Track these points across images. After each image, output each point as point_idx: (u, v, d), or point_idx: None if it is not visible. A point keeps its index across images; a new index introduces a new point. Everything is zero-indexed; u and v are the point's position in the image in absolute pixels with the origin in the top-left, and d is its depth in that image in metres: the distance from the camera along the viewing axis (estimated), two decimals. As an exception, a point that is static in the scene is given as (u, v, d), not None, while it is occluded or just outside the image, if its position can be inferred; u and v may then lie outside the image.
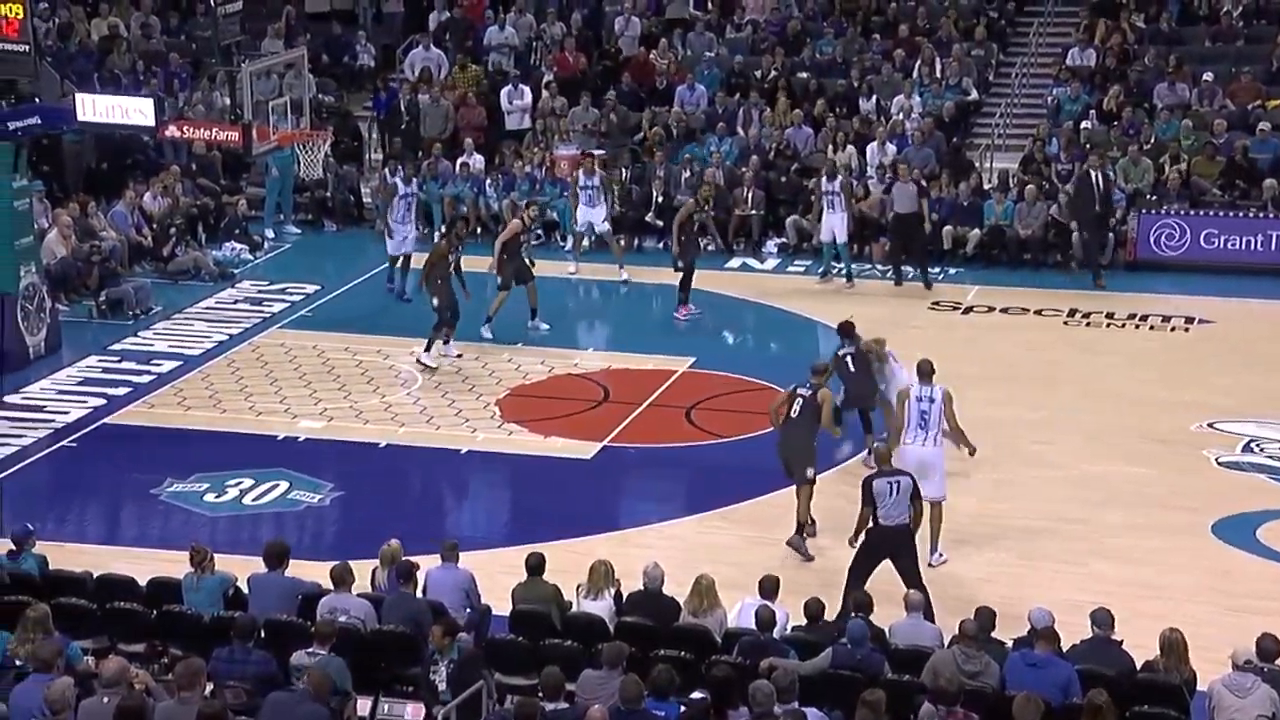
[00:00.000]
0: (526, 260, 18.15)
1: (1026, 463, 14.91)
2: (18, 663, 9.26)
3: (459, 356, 17.25)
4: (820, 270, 20.33)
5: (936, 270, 20.63)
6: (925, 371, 12.99)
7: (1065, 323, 18.94)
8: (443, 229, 18.53)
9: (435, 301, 17.05)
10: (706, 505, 14.03)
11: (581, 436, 15.47)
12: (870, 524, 11.66)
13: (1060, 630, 9.91)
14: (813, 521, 13.12)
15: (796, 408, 13.13)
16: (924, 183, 20.64)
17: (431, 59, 24.74)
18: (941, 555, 12.81)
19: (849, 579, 11.58)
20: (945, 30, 24.55)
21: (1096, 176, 20.18)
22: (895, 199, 20.29)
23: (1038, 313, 19.32)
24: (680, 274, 18.65)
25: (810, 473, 13.01)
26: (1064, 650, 9.79)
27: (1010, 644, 9.96)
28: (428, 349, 17.09)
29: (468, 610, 10.63)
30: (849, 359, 14.42)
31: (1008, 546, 13.27)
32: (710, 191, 19.76)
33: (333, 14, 26.46)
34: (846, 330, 14.54)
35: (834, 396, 13.59)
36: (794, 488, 13.11)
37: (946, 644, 9.96)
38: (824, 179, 20.10)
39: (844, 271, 20.26)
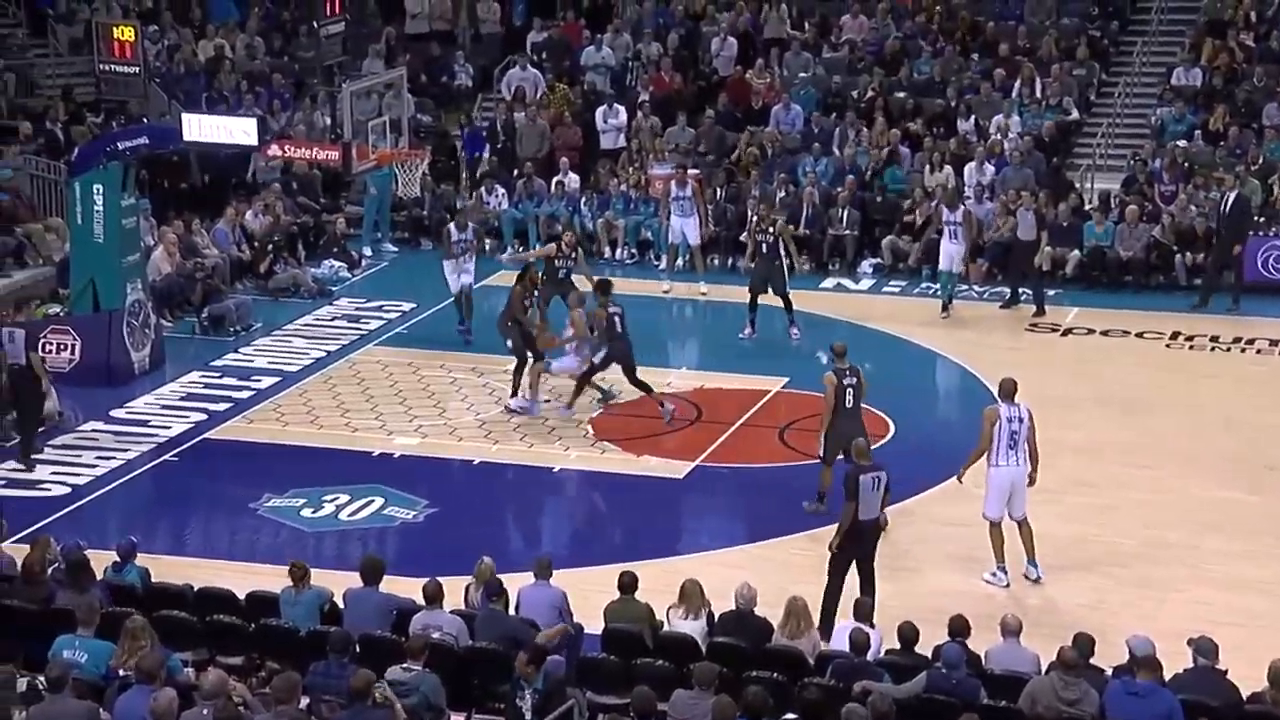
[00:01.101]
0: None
1: (1126, 487, 14.68)
2: (122, 673, 9.43)
3: (547, 402, 16.58)
4: (944, 300, 19.61)
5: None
6: (1010, 391, 12.87)
7: (1167, 346, 18.64)
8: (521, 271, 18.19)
9: (510, 344, 16.56)
10: (798, 527, 13.95)
11: (674, 456, 15.47)
12: (852, 520, 11.72)
13: (1161, 659, 9.73)
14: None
15: (850, 397, 13.59)
16: (1044, 212, 20.30)
17: (528, 79, 24.94)
18: (1040, 572, 12.73)
19: (830, 578, 11.70)
20: (1046, 49, 24.31)
21: (1229, 197, 19.88)
22: (1019, 224, 19.96)
23: (1139, 335, 19.03)
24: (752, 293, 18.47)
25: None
26: (1166, 679, 9.61)
27: (1110, 672, 9.80)
28: (514, 393, 16.59)
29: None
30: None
31: (1107, 572, 13.07)
32: (769, 211, 19.04)
33: (432, 35, 26.77)
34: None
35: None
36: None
37: (1044, 670, 9.82)
38: (944, 209, 19.59)
39: (947, 298, 19.76)
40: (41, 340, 17.17)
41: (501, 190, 22.70)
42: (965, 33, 25.25)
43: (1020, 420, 12.69)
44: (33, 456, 15.15)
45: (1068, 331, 19.32)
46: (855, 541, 11.84)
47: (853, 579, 11.89)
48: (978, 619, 10.59)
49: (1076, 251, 20.97)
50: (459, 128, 24.49)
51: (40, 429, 15.75)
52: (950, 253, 19.52)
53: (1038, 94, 23.52)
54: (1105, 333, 19.24)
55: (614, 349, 16.03)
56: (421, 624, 10.34)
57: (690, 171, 22.67)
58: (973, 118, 23.22)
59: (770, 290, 18.39)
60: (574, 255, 17.84)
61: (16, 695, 9.11)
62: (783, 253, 18.40)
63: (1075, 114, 23.54)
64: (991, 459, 12.71)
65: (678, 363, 18.34)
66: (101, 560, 11.51)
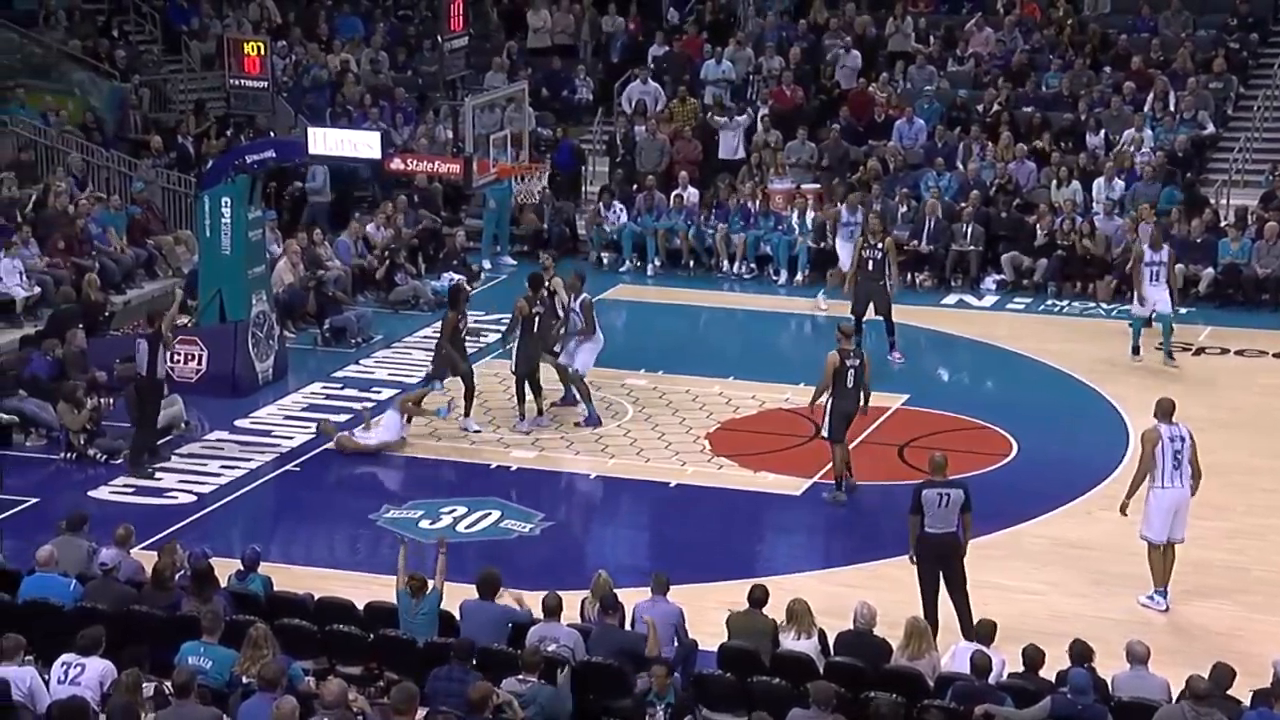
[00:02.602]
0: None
1: (1261, 512, 14.31)
2: (245, 680, 9.63)
3: (478, 432, 16.35)
4: (1166, 350, 18.47)
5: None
6: (1168, 410, 12.65)
7: (1304, 366, 18.18)
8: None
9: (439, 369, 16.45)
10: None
11: (791, 472, 15.41)
12: (919, 532, 11.82)
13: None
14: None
15: (850, 377, 14.29)
16: (1169, 228, 19.86)
17: (649, 93, 25.05)
18: (1163, 599, 12.52)
19: (923, 598, 11.76)
20: (1181, 62, 23.85)
21: None
22: (1143, 241, 19.50)
23: (1276, 355, 18.57)
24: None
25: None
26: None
27: (1248, 702, 9.56)
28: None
29: (675, 644, 10.68)
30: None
31: (1243, 599, 12.77)
32: (879, 225, 18.54)
33: (553, 49, 27.01)
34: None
35: None
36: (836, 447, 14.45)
37: (1175, 698, 9.61)
38: (1147, 248, 18.18)
39: (1166, 348, 18.33)
40: (170, 351, 17.61)
41: (619, 205, 22.82)
42: (1095, 46, 24.88)
43: (1183, 439, 12.49)
44: (157, 465, 15.47)
45: (1200, 350, 18.93)
46: (930, 556, 11.88)
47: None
48: (1103, 645, 10.40)
49: (1210, 269, 20.53)
50: (553, 150, 23.89)
51: (166, 438, 16.14)
52: (1154, 296, 18.18)
53: (1171, 108, 23.08)
54: (1240, 352, 18.82)
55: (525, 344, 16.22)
56: (539, 636, 10.42)
57: (808, 186, 22.69)
58: (1102, 132, 22.86)
59: (873, 309, 18.09)
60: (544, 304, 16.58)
61: (143, 698, 9.34)
62: (887, 271, 17.98)
63: (1211, 128, 23.07)
64: (1156, 481, 12.45)
65: (796, 378, 18.27)
66: (225, 568, 11.76)
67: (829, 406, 14.44)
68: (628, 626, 10.72)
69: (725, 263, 22.20)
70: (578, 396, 16.73)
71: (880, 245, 18.00)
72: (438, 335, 16.89)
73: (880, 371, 18.08)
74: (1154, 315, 18.48)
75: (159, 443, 15.78)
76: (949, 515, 11.81)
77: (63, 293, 18.45)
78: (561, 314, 16.66)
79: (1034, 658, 10.18)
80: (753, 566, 13.21)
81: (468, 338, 17.00)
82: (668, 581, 11.10)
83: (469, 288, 18.57)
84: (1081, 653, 10.00)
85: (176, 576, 11.35)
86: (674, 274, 22.35)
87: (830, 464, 14.90)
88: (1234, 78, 23.94)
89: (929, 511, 11.81)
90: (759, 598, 10.83)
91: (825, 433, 14.60)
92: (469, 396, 16.51)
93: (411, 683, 9.38)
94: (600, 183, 23.99)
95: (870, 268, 17.92)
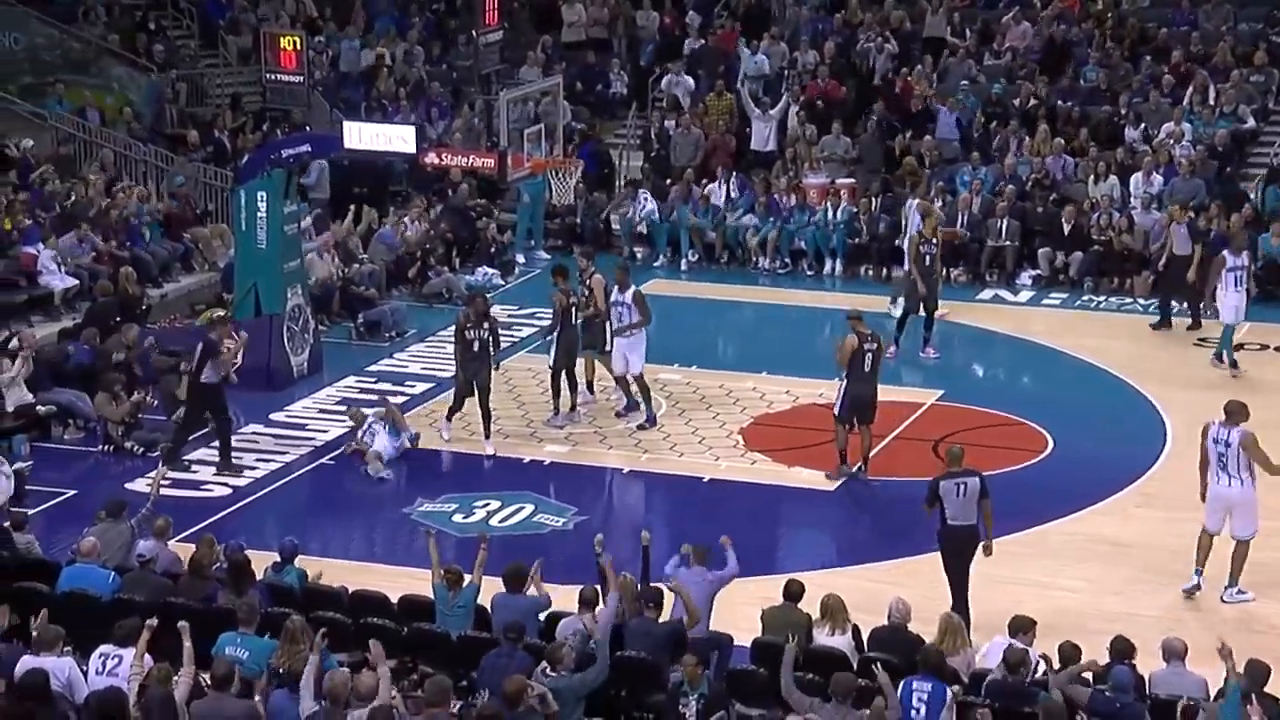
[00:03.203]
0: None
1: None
2: (280, 672, 9.70)
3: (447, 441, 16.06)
4: (1216, 353, 18.27)
5: (1203, 306, 19.93)
6: (1228, 410, 12.68)
7: (1345, 363, 18.05)
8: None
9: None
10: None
11: (826, 468, 15.40)
12: (940, 525, 12.03)
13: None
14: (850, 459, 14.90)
15: (868, 361, 14.71)
16: (1200, 225, 19.73)
17: (683, 87, 25.04)
18: (1242, 592, 12.57)
19: (953, 592, 11.93)
20: (1221, 56, 23.69)
21: None
22: (1174, 240, 19.43)
23: (1317, 352, 18.47)
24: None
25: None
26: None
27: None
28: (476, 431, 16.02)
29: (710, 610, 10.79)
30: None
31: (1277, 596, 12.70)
32: (937, 222, 18.64)
33: (588, 43, 27.03)
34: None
35: None
36: (860, 429, 14.87)
37: (1213, 696, 9.58)
38: (1227, 253, 17.97)
39: (1230, 355, 18.04)
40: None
41: (647, 196, 22.72)
42: (1134, 39, 24.74)
43: (1227, 444, 12.53)
44: (189, 459, 15.57)
45: (1239, 347, 18.80)
46: (951, 548, 12.08)
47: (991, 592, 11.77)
48: (1140, 643, 10.37)
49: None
50: (579, 148, 23.33)
51: (202, 430, 16.26)
52: (1232, 303, 17.95)
53: (1210, 101, 22.93)
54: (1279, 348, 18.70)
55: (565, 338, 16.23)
56: (572, 629, 10.46)
57: (843, 181, 22.63)
58: (1142, 126, 22.73)
59: (923, 306, 18.17)
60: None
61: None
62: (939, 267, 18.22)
63: (1252, 122, 22.91)
64: (1209, 475, 12.68)
65: (830, 374, 18.24)
66: (259, 561, 11.85)
67: (844, 389, 14.76)
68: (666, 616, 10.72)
69: (757, 258, 22.15)
70: (640, 401, 16.48)
71: (935, 241, 18.13)
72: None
73: (914, 366, 18.16)
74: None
75: (193, 435, 15.85)
76: (969, 506, 12.01)
77: (101, 286, 18.60)
78: (604, 310, 16.56)
79: (1070, 655, 10.14)
80: (785, 562, 13.25)
81: (500, 332, 16.81)
82: (707, 552, 11.20)
83: (487, 295, 18.31)
84: (1122, 650, 9.98)
85: (213, 568, 11.46)
86: (708, 269, 22.36)
87: (854, 451, 15.07)
88: (1275, 71, 23.75)
89: (949, 503, 12.01)
90: (795, 592, 10.87)
91: (835, 411, 14.91)
92: (458, 405, 15.97)
93: (445, 676, 9.44)
94: (634, 178, 23.98)
95: (928, 262, 18.06)
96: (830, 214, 22.02)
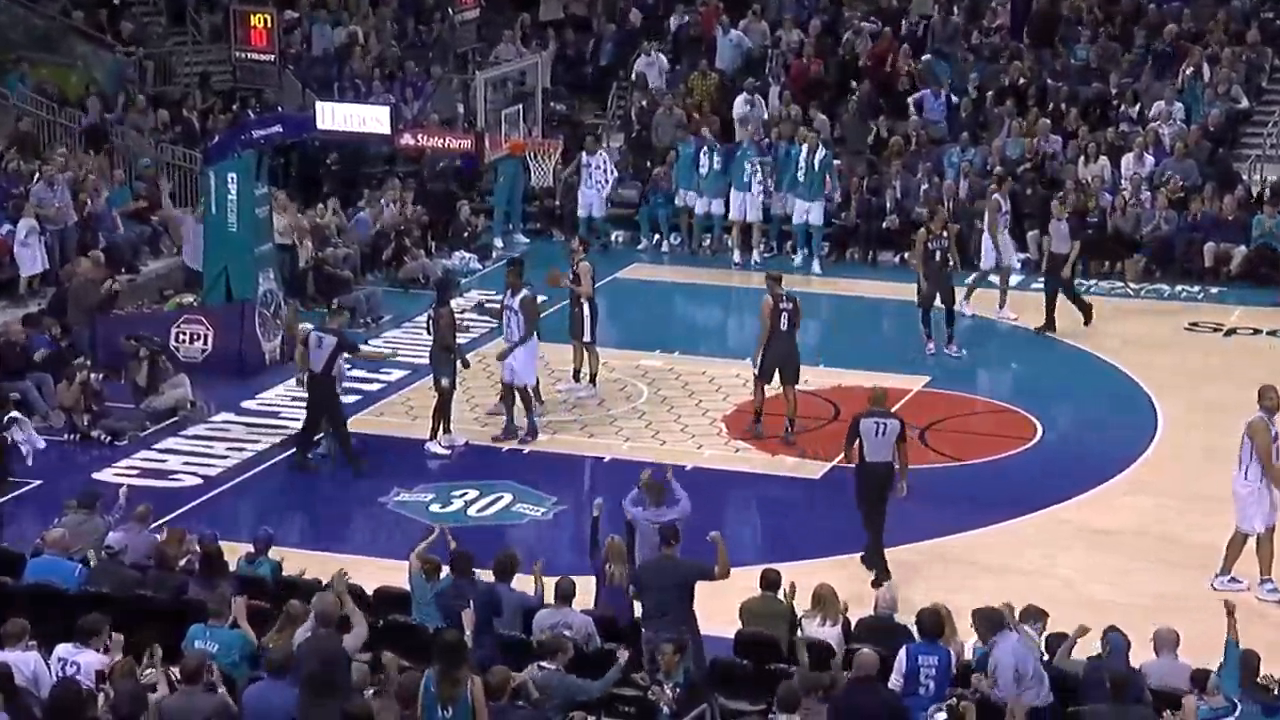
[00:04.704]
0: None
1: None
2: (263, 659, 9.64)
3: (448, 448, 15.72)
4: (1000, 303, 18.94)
5: (1196, 289, 20.03)
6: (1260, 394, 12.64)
7: (1340, 347, 18.13)
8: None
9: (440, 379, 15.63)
10: (939, 532, 13.83)
11: (810, 455, 15.41)
12: (859, 461, 12.91)
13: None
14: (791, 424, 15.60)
15: (785, 320, 15.37)
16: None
17: (657, 67, 24.96)
18: (1275, 587, 12.56)
19: (867, 530, 12.87)
20: (1215, 35, 23.71)
21: None
22: (1054, 237, 19.09)
23: (1310, 336, 18.54)
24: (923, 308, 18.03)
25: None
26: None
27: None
28: (432, 435, 15.69)
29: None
30: None
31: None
32: (943, 218, 18.49)
33: (567, 21, 26.96)
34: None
35: None
36: (785, 389, 15.56)
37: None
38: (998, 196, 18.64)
39: None
40: (175, 330, 17.68)
41: (605, 161, 22.03)
42: (1126, 18, 24.75)
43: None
44: (161, 446, 15.55)
45: (1231, 332, 18.89)
46: (869, 483, 12.89)
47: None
48: (1133, 633, 10.41)
49: (1243, 247, 20.47)
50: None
51: (172, 419, 16.22)
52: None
53: (1205, 80, 22.96)
54: (1273, 333, 18.77)
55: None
56: (550, 622, 10.46)
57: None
58: (1138, 105, 22.74)
59: (939, 300, 17.95)
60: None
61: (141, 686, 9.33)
62: (951, 260, 17.97)
63: (1245, 102, 22.96)
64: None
65: (813, 360, 18.27)
66: (231, 552, 11.80)
67: (764, 347, 15.49)
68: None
69: (737, 253, 21.80)
70: (518, 421, 15.78)
71: (945, 235, 17.94)
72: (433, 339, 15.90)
73: (900, 352, 18.13)
74: None
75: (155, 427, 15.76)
76: (886, 445, 12.81)
77: (66, 270, 18.49)
78: (590, 295, 16.56)
79: (1056, 645, 10.18)
80: (770, 552, 13.24)
81: (486, 319, 16.74)
82: (662, 490, 11.75)
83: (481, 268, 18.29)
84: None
85: (185, 560, 11.41)
86: (691, 253, 22.29)
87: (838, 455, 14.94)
88: (1269, 49, 23.80)
89: (867, 441, 12.85)
90: (772, 580, 10.87)
91: (755, 370, 15.66)
92: (440, 414, 15.61)
93: (420, 671, 9.39)
94: (614, 159, 23.86)
95: (937, 258, 17.83)
96: (806, 155, 21.21)
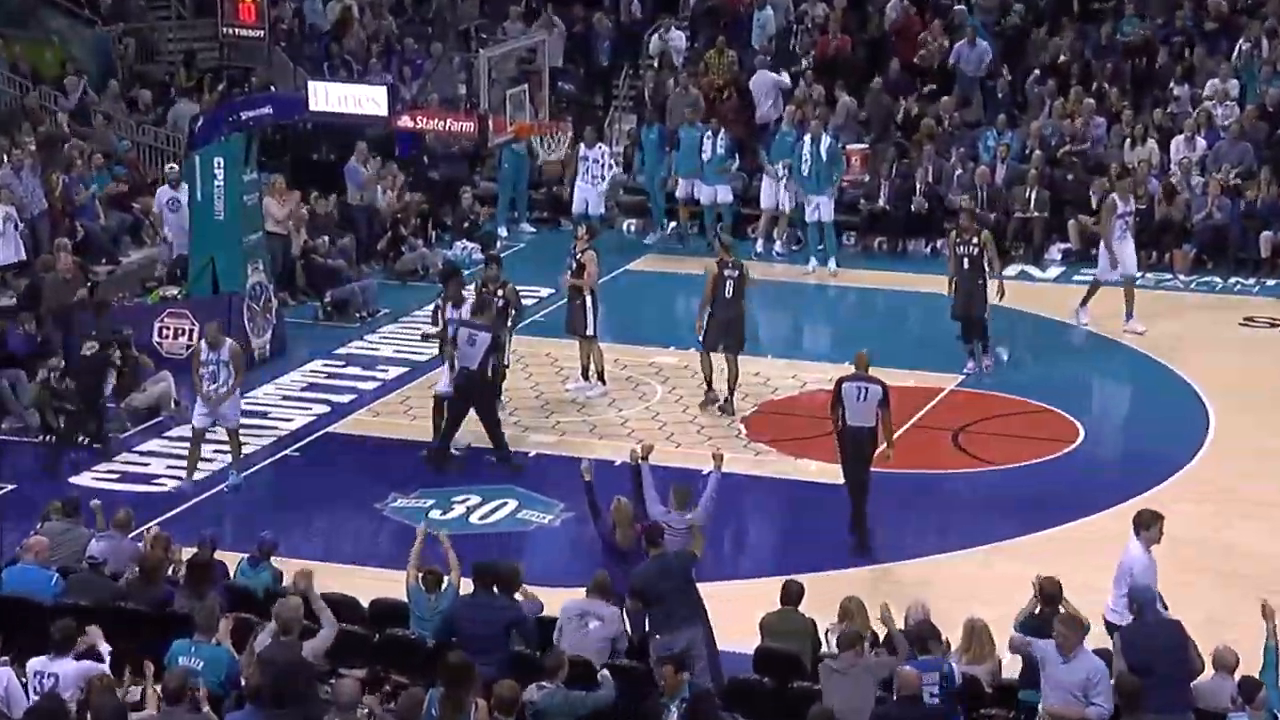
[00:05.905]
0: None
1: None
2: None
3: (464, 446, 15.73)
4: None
5: (1251, 281, 19.97)
6: None
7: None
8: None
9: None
10: (974, 539, 13.83)
11: (836, 459, 15.35)
12: (841, 425, 13.63)
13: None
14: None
15: (729, 287, 15.92)
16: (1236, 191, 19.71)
17: (675, 43, 24.90)
18: None
19: (851, 497, 13.66)
20: (1274, 7, 23.60)
21: None
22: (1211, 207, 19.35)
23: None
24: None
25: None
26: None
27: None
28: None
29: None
30: None
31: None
32: (971, 219, 17.81)
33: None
34: None
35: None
36: (728, 358, 16.17)
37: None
38: (1116, 197, 18.29)
39: None
40: (158, 325, 17.70)
41: (603, 153, 21.83)
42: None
43: None
44: (141, 449, 15.56)
45: (1249, 320, 18.85)
46: (852, 448, 13.62)
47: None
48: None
49: (1298, 236, 20.41)
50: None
51: (155, 419, 16.24)
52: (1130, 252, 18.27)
53: (1263, 56, 22.83)
54: (1330, 326, 18.75)
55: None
56: (579, 610, 10.48)
57: (854, 147, 22.23)
58: (1185, 85, 22.63)
59: (971, 314, 17.37)
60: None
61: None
62: (986, 268, 17.24)
63: (1307, 80, 22.83)
64: None
65: (841, 357, 18.22)
66: (220, 561, 11.79)
67: (708, 316, 16.01)
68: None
69: (760, 242, 21.74)
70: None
71: (976, 240, 17.28)
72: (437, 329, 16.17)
73: (930, 348, 18.06)
74: None
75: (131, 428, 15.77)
76: (868, 409, 13.51)
77: (41, 261, 18.51)
78: (595, 286, 16.78)
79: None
80: (792, 562, 13.20)
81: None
82: (688, 495, 12.03)
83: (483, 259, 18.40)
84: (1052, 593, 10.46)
85: (170, 569, 11.41)
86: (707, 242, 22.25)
87: (880, 447, 14.89)
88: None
89: (849, 404, 13.56)
90: (795, 593, 10.85)
91: (700, 340, 16.23)
92: (438, 417, 15.64)
93: (420, 689, 9.38)
94: (626, 143, 23.84)
95: (967, 265, 17.20)
96: (810, 145, 20.97)
